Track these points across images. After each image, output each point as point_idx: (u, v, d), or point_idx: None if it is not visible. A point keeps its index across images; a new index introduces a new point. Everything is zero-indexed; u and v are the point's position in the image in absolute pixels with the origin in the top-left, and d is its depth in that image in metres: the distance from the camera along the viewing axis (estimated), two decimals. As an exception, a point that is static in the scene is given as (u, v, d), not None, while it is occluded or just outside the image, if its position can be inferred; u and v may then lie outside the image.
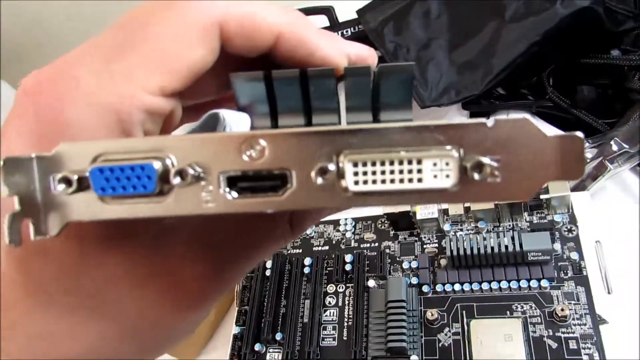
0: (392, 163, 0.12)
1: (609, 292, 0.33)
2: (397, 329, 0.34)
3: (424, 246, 0.39)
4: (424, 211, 0.38)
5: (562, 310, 0.32)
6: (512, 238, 0.35)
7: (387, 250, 0.40)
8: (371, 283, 0.38)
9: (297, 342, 0.38)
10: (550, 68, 0.47)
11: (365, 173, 0.12)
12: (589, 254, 0.35)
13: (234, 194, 0.12)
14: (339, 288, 0.40)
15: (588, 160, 0.37)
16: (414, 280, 0.38)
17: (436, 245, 0.39)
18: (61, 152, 0.12)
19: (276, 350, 0.39)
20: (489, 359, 0.32)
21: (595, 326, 0.32)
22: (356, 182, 0.12)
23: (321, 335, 0.38)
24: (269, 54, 0.16)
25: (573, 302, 0.33)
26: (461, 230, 0.39)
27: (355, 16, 0.52)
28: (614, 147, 0.35)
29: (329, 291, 0.40)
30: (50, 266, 0.14)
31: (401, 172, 0.12)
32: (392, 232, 0.41)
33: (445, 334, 0.35)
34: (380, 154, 0.12)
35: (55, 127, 0.13)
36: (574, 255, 0.35)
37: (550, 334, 0.32)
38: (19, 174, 0.12)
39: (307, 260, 0.41)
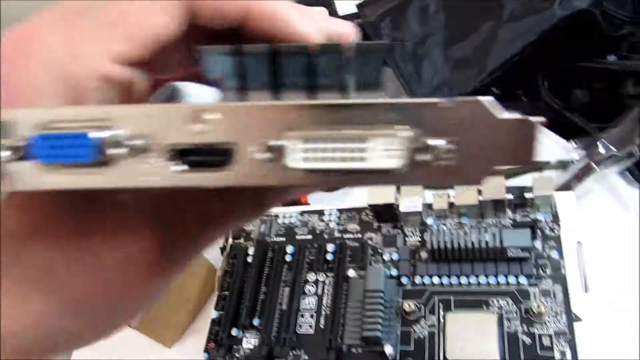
0: (340, 141, 0.12)
1: (585, 291, 0.33)
2: (373, 318, 0.34)
3: (406, 239, 0.39)
4: (408, 204, 0.38)
5: (538, 307, 0.32)
6: (494, 234, 0.34)
7: (370, 242, 0.40)
8: (351, 273, 0.38)
9: (274, 328, 0.38)
10: (545, 70, 0.47)
11: (312, 150, 0.12)
12: (569, 253, 0.34)
13: (178, 167, 0.12)
14: (320, 277, 0.40)
15: (574, 162, 0.37)
16: (394, 272, 0.38)
17: (419, 238, 0.39)
18: (6, 119, 0.12)
19: (253, 335, 0.39)
20: (462, 355, 0.32)
21: (569, 324, 0.32)
22: (303, 159, 0.12)
23: (298, 322, 0.38)
24: (240, 28, 0.15)
25: (549, 299, 0.33)
26: (444, 224, 0.39)
27: (356, 10, 0.52)
28: (601, 150, 0.35)
29: (309, 279, 0.40)
30: None
31: (349, 150, 0.12)
32: (375, 224, 0.41)
33: (421, 326, 0.35)
34: (328, 132, 0.12)
35: (14, 92, 0.13)
36: (554, 254, 0.34)
37: (525, 329, 0.32)
38: None
39: (290, 249, 0.42)
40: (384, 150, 0.12)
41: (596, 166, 0.35)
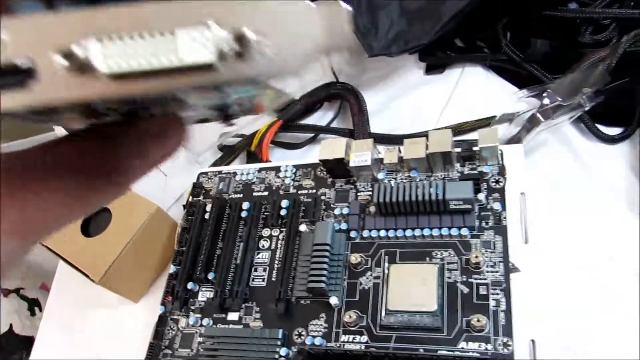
0: (144, 38, 0.11)
1: (525, 242, 0.33)
2: (318, 270, 0.35)
3: (358, 194, 0.40)
4: (357, 159, 0.38)
5: (476, 257, 0.33)
6: (437, 187, 0.35)
7: (323, 197, 0.41)
8: (303, 227, 0.39)
9: (228, 282, 0.39)
10: (505, 20, 0.46)
11: (115, 52, 0.11)
12: (511, 205, 0.35)
13: None
14: (274, 232, 0.41)
15: (519, 114, 0.37)
16: (344, 226, 0.38)
17: (370, 193, 0.39)
18: None
19: (208, 288, 0.40)
20: (402, 305, 0.33)
21: (506, 274, 0.32)
22: (107, 64, 0.11)
23: (251, 276, 0.39)
24: None
25: (489, 250, 0.34)
26: (395, 179, 0.39)
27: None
28: (546, 100, 0.35)
29: (263, 235, 0.41)
30: None
31: (156, 47, 0.11)
32: (329, 180, 0.41)
33: (367, 278, 0.36)
34: (131, 29, 0.11)
35: None
36: (497, 206, 0.35)
37: (464, 279, 0.33)
38: None
39: (246, 205, 0.42)
40: (195, 42, 0.11)
41: (542, 117, 0.35)
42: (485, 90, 0.47)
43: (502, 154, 0.37)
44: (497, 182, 0.36)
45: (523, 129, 0.38)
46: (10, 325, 0.88)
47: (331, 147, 0.39)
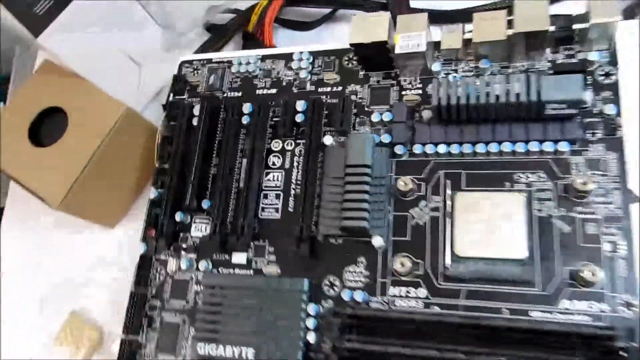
0: None
1: (650, 162, 0.24)
2: (356, 203, 0.25)
3: (403, 93, 0.29)
4: (407, 42, 0.27)
5: (584, 183, 0.23)
6: (528, 83, 0.24)
7: (353, 97, 0.30)
8: (328, 140, 0.29)
9: (229, 213, 0.29)
10: None
11: None
12: (629, 108, 0.25)
13: None
14: (287, 145, 0.30)
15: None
16: (385, 138, 0.28)
17: (419, 91, 0.29)
18: None
19: (203, 221, 0.30)
20: (476, 251, 0.24)
21: (625, 206, 0.23)
22: None
23: (260, 205, 0.29)
24: None
25: (599, 172, 0.24)
26: (455, 71, 0.28)
27: None
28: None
29: (273, 148, 0.30)
30: None
31: None
32: (362, 73, 0.30)
33: (421, 210, 0.26)
34: None
35: None
36: (609, 109, 0.25)
37: (563, 213, 0.24)
38: None
39: (247, 107, 0.31)
40: None
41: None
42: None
43: (615, 35, 0.26)
44: (608, 75, 0.26)
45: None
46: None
47: (367, 27, 0.28)
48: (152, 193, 0.31)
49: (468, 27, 0.28)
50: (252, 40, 0.38)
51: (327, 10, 0.37)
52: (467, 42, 0.28)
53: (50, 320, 0.36)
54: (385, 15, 0.28)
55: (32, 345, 0.36)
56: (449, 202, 0.26)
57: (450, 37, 0.28)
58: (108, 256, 0.37)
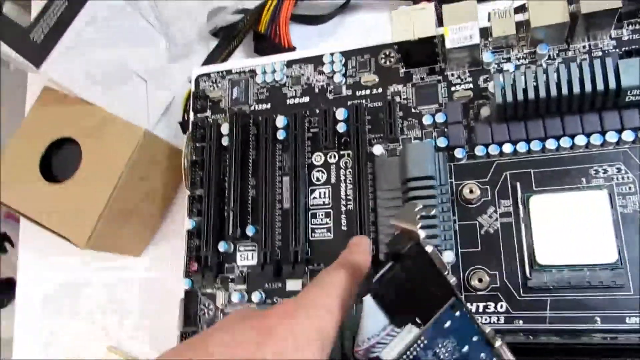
0: None
1: None
2: (425, 220, 0.23)
3: (452, 89, 0.27)
4: (458, 35, 0.25)
5: (675, 176, 0.21)
6: (603, 67, 0.22)
7: (397, 98, 0.27)
8: (377, 150, 0.26)
9: (276, 238, 0.27)
10: None
11: None
12: None
13: None
14: (329, 158, 0.28)
15: None
16: (441, 142, 0.26)
17: (470, 85, 0.26)
18: None
19: (248, 248, 0.28)
20: (561, 258, 0.22)
21: None
22: None
23: (310, 226, 0.27)
24: None
25: (687, 161, 0.22)
26: (508, 60, 0.26)
27: None
28: None
29: (315, 162, 0.28)
30: None
31: None
32: (402, 71, 0.28)
33: (490, 217, 0.24)
34: None
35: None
36: (690, 90, 0.23)
37: (652, 210, 0.22)
38: None
39: (281, 120, 0.29)
40: None
41: None
42: None
43: (684, 5, 0.23)
44: (682, 51, 0.23)
45: None
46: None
47: (411, 21, 0.25)
48: (188, 223, 0.29)
49: (516, 3, 0.25)
50: (265, 43, 0.35)
51: (339, 2, 0.34)
52: (519, 26, 0.25)
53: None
54: (430, 7, 0.25)
55: None
56: (521, 206, 0.24)
57: (501, 22, 0.25)
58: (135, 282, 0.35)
